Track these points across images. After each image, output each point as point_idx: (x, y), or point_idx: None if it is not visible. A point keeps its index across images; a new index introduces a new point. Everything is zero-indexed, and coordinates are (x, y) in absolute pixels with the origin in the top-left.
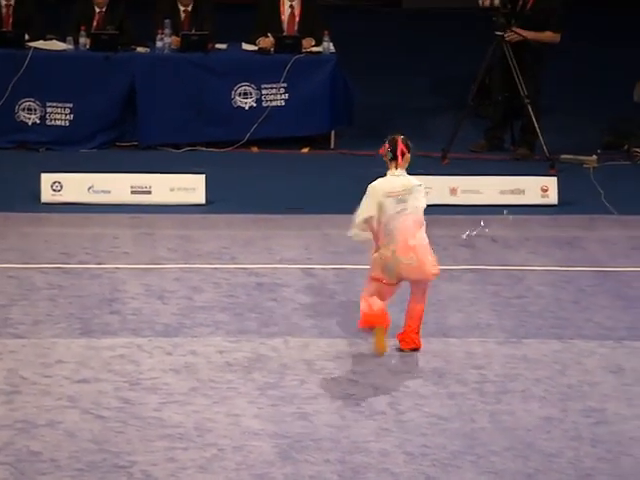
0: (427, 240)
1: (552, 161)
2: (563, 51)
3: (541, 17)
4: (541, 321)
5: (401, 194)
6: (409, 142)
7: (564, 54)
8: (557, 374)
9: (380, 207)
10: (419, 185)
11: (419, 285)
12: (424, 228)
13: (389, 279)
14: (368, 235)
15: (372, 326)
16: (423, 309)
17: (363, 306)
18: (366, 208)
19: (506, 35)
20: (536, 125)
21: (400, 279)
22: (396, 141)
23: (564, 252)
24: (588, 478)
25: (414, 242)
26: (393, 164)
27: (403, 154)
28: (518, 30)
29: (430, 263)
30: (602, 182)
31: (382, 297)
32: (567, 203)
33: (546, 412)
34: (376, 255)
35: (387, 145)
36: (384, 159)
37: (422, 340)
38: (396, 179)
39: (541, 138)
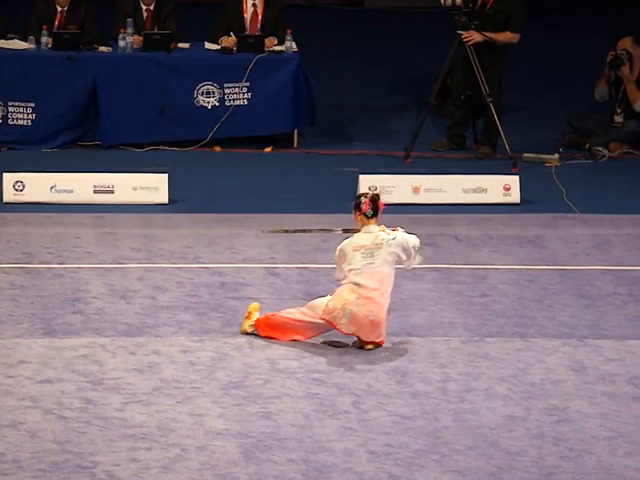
0: (387, 304)
1: (514, 160)
2: (524, 49)
3: (501, 17)
4: (504, 320)
5: (370, 248)
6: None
7: (525, 52)
8: (520, 372)
9: (348, 260)
10: (392, 239)
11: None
12: (390, 287)
13: (344, 326)
14: None
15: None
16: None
17: (269, 331)
18: (339, 274)
19: (464, 37)
20: (498, 124)
21: (351, 331)
22: (376, 199)
23: (527, 251)
24: (551, 476)
25: (379, 299)
26: (372, 220)
27: (380, 211)
28: (475, 33)
29: (382, 329)
30: (564, 181)
31: (304, 334)
32: (529, 202)
33: (509, 410)
34: (340, 293)
35: (368, 202)
36: (363, 215)
37: (385, 339)
38: (368, 235)
39: (503, 137)
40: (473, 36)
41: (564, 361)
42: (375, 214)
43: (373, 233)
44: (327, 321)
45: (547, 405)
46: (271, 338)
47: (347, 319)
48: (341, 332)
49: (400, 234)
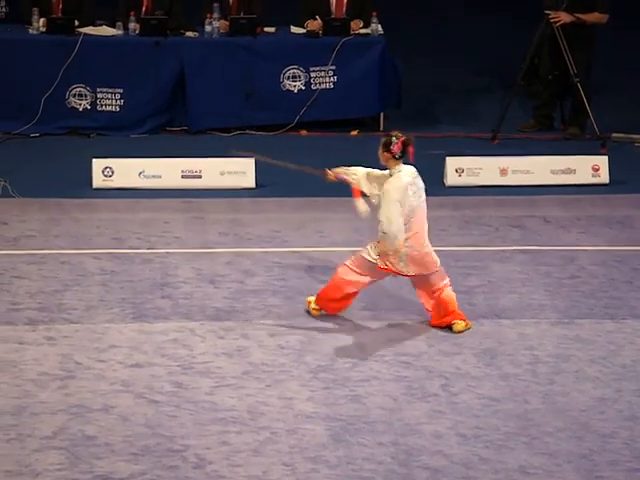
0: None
1: (603, 140)
2: (613, 28)
3: None
4: (594, 301)
5: (414, 184)
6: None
7: (614, 31)
8: (611, 354)
9: (403, 202)
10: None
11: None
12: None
13: (404, 269)
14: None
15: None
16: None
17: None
18: (397, 215)
19: (552, 18)
20: (586, 104)
21: (413, 272)
22: (408, 143)
23: (616, 232)
24: None
25: (422, 233)
26: (399, 161)
27: (410, 155)
28: (563, 14)
29: (433, 255)
30: None
31: (357, 286)
32: (618, 182)
33: (600, 392)
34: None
35: (400, 144)
36: (392, 156)
37: (474, 322)
38: (407, 172)
39: (591, 117)
40: (561, 17)
41: None
42: (402, 156)
43: (408, 170)
44: (384, 270)
45: (639, 387)
46: (331, 302)
47: (404, 262)
48: (403, 275)
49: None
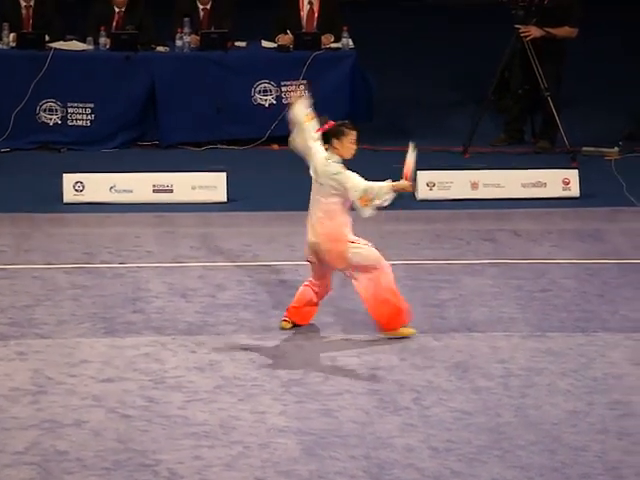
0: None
1: (573, 153)
2: (582, 43)
3: (559, 11)
4: (565, 314)
5: (319, 172)
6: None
7: (583, 46)
8: (582, 367)
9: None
10: (337, 173)
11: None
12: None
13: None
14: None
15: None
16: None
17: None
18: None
19: (522, 32)
20: (557, 118)
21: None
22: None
23: (587, 245)
24: (615, 471)
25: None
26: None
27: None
28: (533, 28)
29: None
30: (624, 174)
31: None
32: (589, 196)
33: (572, 405)
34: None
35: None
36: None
37: (445, 335)
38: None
39: (562, 131)
40: (531, 31)
41: (627, 355)
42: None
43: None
44: (308, 261)
45: (610, 400)
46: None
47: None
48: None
49: None
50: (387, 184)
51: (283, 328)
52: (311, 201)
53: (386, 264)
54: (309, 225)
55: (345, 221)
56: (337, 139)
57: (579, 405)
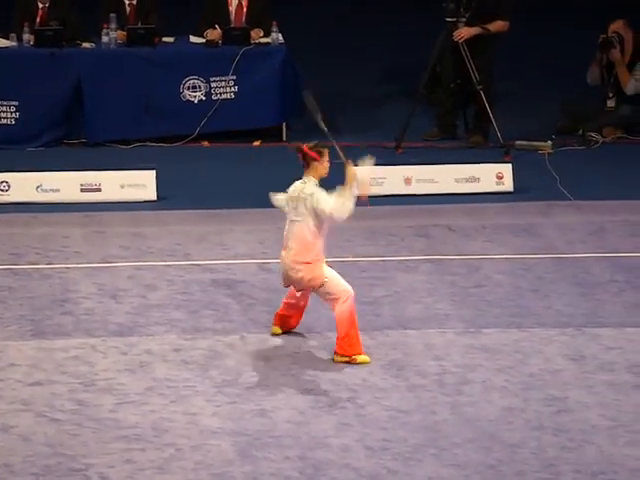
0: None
1: (506, 148)
2: (514, 36)
3: (491, 4)
4: (500, 310)
5: (294, 200)
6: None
7: (515, 39)
8: (518, 363)
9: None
10: (310, 195)
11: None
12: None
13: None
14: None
15: None
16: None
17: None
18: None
19: (455, 35)
20: (489, 112)
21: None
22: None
23: (521, 240)
24: (551, 468)
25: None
26: (306, 170)
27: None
28: (464, 29)
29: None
30: (557, 168)
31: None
32: (523, 190)
33: (508, 402)
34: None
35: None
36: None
37: (379, 333)
38: (297, 184)
39: (495, 125)
40: (462, 33)
41: (562, 350)
42: (305, 166)
43: (296, 184)
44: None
45: (546, 396)
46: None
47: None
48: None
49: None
50: (342, 186)
51: (274, 334)
52: (286, 231)
53: (352, 295)
54: (283, 253)
55: (319, 247)
56: (317, 161)
57: (515, 401)
